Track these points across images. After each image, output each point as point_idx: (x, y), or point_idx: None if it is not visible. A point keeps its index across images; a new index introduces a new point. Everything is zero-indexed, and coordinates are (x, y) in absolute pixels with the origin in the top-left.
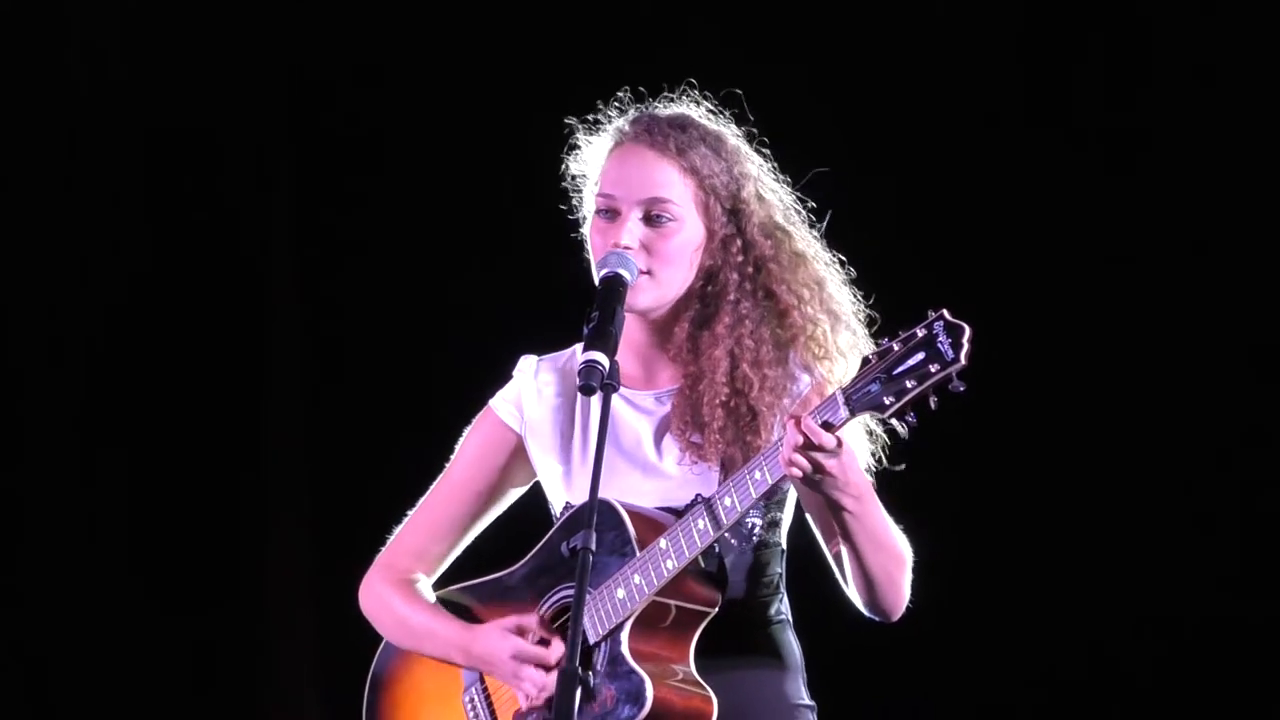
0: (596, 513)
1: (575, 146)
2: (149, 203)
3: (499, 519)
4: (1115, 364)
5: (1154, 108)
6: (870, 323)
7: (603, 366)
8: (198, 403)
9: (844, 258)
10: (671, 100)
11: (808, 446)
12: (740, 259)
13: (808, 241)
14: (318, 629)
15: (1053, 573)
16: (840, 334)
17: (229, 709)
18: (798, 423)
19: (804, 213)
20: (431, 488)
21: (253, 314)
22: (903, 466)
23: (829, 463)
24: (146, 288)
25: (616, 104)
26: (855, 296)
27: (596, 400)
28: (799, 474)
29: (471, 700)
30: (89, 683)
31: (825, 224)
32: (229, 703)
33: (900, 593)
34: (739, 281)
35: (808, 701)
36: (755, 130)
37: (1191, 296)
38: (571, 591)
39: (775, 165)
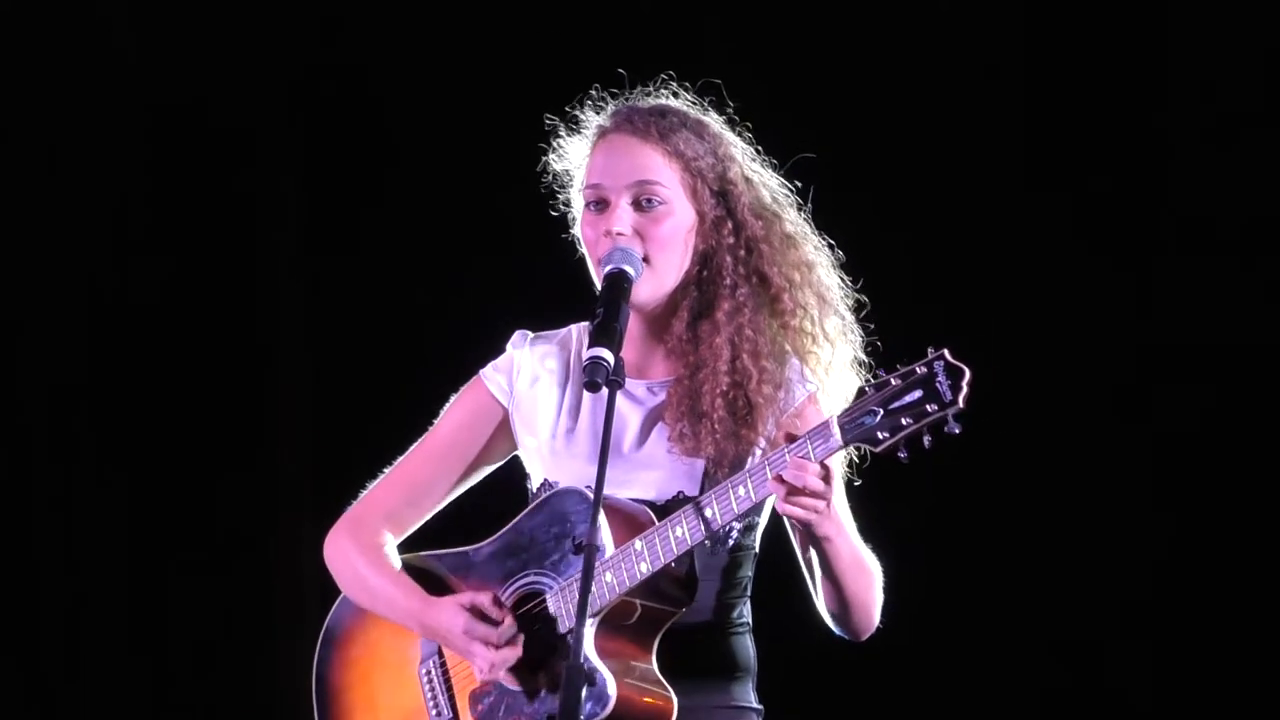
0: (578, 503)
1: (557, 145)
2: (155, 200)
3: (475, 488)
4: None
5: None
6: (859, 308)
7: (608, 363)
8: (201, 393)
9: (833, 241)
10: (649, 94)
11: (802, 491)
12: (732, 240)
13: (797, 224)
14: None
15: (1018, 587)
16: (829, 319)
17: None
18: (789, 438)
19: (792, 196)
20: (411, 448)
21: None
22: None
23: (820, 504)
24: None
25: (591, 101)
26: (844, 281)
27: (587, 386)
28: (792, 513)
29: (429, 673)
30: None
31: (810, 208)
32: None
33: (872, 614)
34: (733, 265)
35: (755, 705)
36: (737, 118)
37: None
38: (538, 578)
39: (760, 149)
